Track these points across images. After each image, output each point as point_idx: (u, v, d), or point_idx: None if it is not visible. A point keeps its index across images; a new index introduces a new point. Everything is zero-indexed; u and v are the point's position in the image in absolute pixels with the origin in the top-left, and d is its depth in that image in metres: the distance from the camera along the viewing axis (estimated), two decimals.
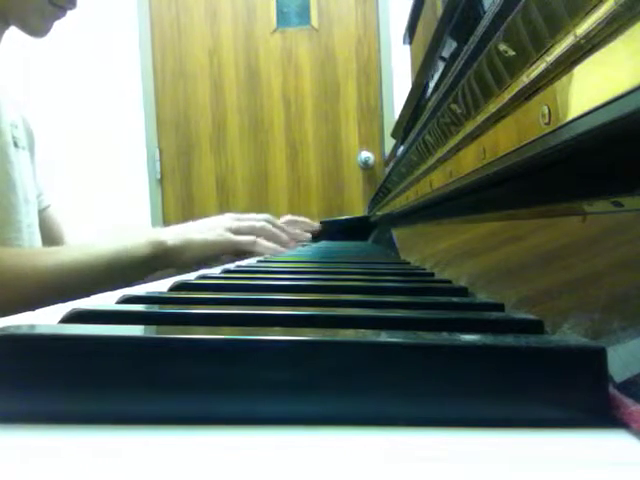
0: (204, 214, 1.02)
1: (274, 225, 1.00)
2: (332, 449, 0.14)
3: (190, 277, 0.47)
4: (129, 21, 2.77)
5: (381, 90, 2.72)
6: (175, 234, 0.84)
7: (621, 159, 0.26)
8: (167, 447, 0.14)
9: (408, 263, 0.68)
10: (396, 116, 1.81)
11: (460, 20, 0.68)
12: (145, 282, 0.52)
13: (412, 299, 0.32)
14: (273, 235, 0.96)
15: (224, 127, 2.79)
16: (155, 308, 0.29)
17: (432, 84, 0.88)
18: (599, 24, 0.21)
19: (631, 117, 0.21)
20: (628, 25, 0.20)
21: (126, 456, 0.14)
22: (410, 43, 1.45)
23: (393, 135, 1.56)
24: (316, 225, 1.37)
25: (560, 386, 0.16)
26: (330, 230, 1.58)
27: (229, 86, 2.79)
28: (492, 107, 0.37)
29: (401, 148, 1.14)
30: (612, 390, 0.16)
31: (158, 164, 2.80)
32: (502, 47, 0.33)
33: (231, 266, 0.61)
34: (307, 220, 1.33)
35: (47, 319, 0.28)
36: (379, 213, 1.49)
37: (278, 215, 1.25)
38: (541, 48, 0.28)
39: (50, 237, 0.94)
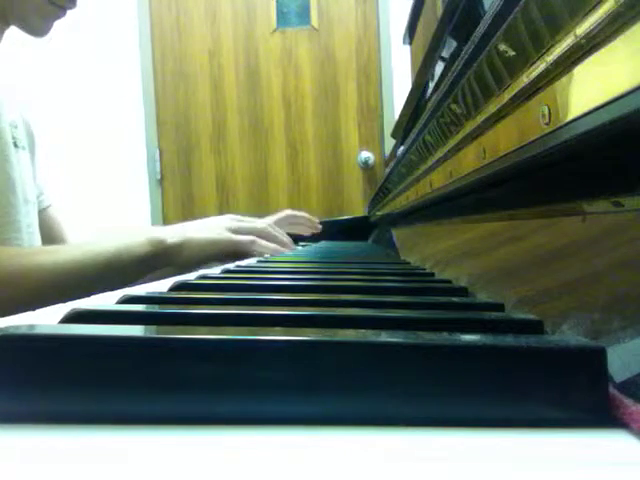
0: (204, 214, 1.02)
1: (275, 229, 1.00)
2: (332, 449, 0.14)
3: (190, 277, 0.48)
4: (129, 21, 2.76)
5: (381, 90, 2.72)
6: (174, 233, 0.84)
7: (621, 159, 0.26)
8: (167, 447, 0.14)
9: (408, 263, 0.68)
10: (396, 116, 1.81)
11: (460, 20, 0.68)
12: (145, 282, 0.52)
13: (412, 299, 0.32)
14: (273, 237, 0.96)
15: (224, 127, 2.79)
16: (155, 308, 0.29)
17: (432, 84, 0.88)
18: (599, 24, 0.21)
19: (631, 117, 0.21)
20: (628, 25, 0.20)
21: (126, 456, 0.14)
22: (410, 43, 1.45)
23: (393, 135, 1.56)
24: (316, 220, 1.36)
25: (560, 386, 0.16)
26: (330, 230, 1.58)
27: (229, 86, 2.79)
28: (492, 107, 0.37)
29: (401, 148, 1.14)
30: (612, 390, 0.16)
31: (158, 164, 2.80)
32: (502, 47, 0.33)
33: (231, 266, 0.61)
34: (306, 215, 1.33)
35: (47, 319, 0.28)
36: (379, 213, 1.49)
37: (277, 211, 1.25)
38: (541, 48, 0.28)
39: (50, 237, 0.94)
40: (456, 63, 0.48)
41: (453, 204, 0.65)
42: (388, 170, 1.32)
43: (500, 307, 0.29)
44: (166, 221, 2.75)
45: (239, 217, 0.98)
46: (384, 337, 0.18)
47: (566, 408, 0.16)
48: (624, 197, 0.25)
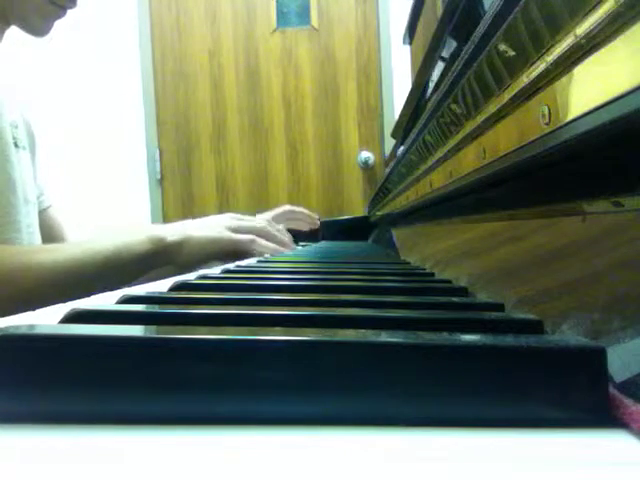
0: (204, 214, 1.02)
1: (274, 227, 1.00)
2: (332, 449, 0.14)
3: (190, 277, 0.48)
4: (129, 21, 2.76)
5: (381, 90, 2.72)
6: (175, 231, 0.84)
7: (621, 159, 0.26)
8: (167, 447, 0.14)
9: (408, 263, 0.68)
10: (396, 116, 1.81)
11: (460, 20, 0.68)
12: (145, 282, 0.52)
13: (412, 299, 0.32)
14: (273, 236, 0.96)
15: (224, 127, 2.79)
16: (155, 308, 0.29)
17: (432, 84, 0.88)
18: (599, 24, 0.21)
19: (631, 117, 0.21)
20: (628, 25, 0.20)
21: (126, 456, 0.14)
22: (410, 43, 1.45)
23: (393, 135, 1.56)
24: (315, 216, 1.36)
25: (560, 386, 0.16)
26: (330, 230, 1.58)
27: (229, 86, 2.79)
28: (492, 107, 0.37)
29: (401, 148, 1.14)
30: (612, 390, 0.16)
31: (158, 164, 2.80)
32: (502, 47, 0.33)
33: (231, 266, 0.61)
34: (305, 211, 1.33)
35: (47, 319, 0.28)
36: (379, 213, 1.49)
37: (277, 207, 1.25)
38: (541, 48, 0.28)
39: (50, 237, 0.94)
40: (456, 63, 0.48)
41: (453, 204, 0.65)
42: (388, 170, 1.32)
43: (500, 307, 0.29)
44: (166, 221, 2.74)
45: (239, 216, 0.98)
46: (384, 337, 0.18)
47: (566, 408, 0.16)
48: (624, 197, 0.25)
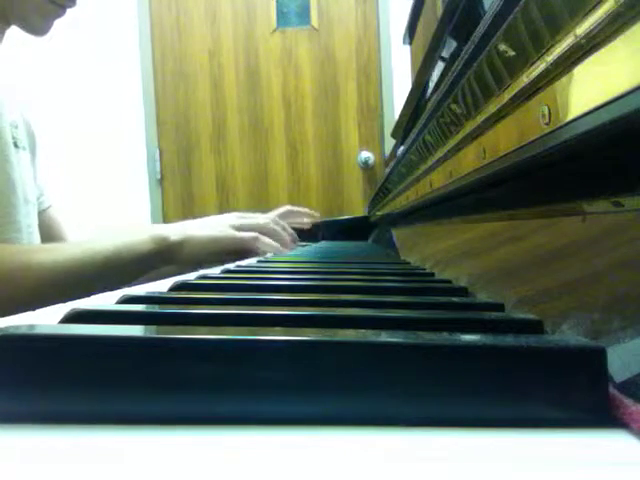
0: (204, 214, 1.02)
1: (278, 224, 1.00)
2: (332, 449, 0.14)
3: (190, 277, 0.48)
4: (129, 21, 2.76)
5: (381, 90, 2.72)
6: (177, 230, 0.84)
7: (621, 159, 0.26)
8: (167, 447, 0.14)
9: (408, 263, 0.68)
10: (396, 116, 1.81)
11: (460, 20, 0.68)
12: (145, 282, 0.52)
13: (412, 299, 0.32)
14: (276, 234, 0.96)
15: (224, 127, 2.79)
16: (155, 308, 0.29)
17: (432, 84, 0.88)
18: (599, 24, 0.21)
19: (631, 117, 0.21)
20: (628, 25, 0.20)
21: (126, 456, 0.14)
22: (410, 43, 1.45)
23: (393, 135, 1.56)
24: (317, 214, 1.36)
25: (560, 386, 0.16)
26: (330, 230, 1.58)
27: (229, 86, 2.79)
28: (492, 107, 0.37)
29: (401, 148, 1.14)
30: (612, 390, 0.16)
31: (158, 164, 2.80)
32: (502, 47, 0.33)
33: (231, 266, 0.61)
34: (306, 210, 1.33)
35: (47, 319, 0.28)
36: (379, 213, 1.49)
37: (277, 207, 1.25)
38: (541, 48, 0.28)
39: (50, 238, 0.94)
40: (456, 63, 0.48)
41: (453, 204, 0.65)
42: (388, 170, 1.32)
43: (500, 307, 0.29)
44: (166, 221, 2.74)
45: (243, 214, 0.98)
46: (384, 337, 0.18)
47: (566, 408, 0.16)
48: (624, 197, 0.25)
